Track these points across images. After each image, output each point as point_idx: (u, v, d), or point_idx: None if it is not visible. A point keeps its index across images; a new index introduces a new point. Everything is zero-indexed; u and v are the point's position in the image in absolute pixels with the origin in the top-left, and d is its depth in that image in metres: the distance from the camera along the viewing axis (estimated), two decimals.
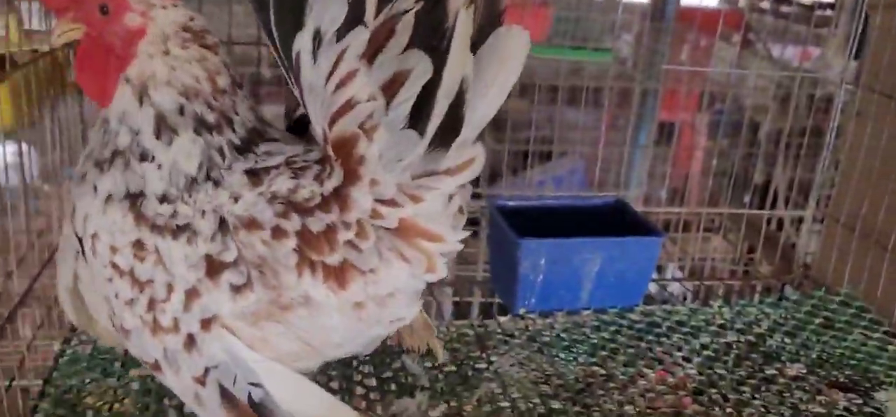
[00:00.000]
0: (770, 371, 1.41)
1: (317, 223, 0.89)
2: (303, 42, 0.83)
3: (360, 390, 1.30)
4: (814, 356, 1.47)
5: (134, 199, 0.93)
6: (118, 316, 0.96)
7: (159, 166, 0.93)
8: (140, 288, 0.93)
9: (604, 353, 1.44)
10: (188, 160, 0.93)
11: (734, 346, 1.49)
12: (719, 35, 2.02)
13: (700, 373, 1.39)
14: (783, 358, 1.46)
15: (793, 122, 2.15)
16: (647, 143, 2.49)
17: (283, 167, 0.93)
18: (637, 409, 1.27)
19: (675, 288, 1.89)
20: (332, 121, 0.85)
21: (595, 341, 1.48)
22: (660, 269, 2.41)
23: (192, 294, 0.92)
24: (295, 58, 0.85)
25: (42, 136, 1.47)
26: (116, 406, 1.23)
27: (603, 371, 1.38)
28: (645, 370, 1.40)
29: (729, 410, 1.28)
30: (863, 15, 1.75)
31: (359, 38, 0.80)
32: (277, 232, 0.90)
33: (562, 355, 1.43)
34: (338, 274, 0.89)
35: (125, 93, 0.93)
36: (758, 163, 2.47)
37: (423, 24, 0.79)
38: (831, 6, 2.55)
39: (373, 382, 1.32)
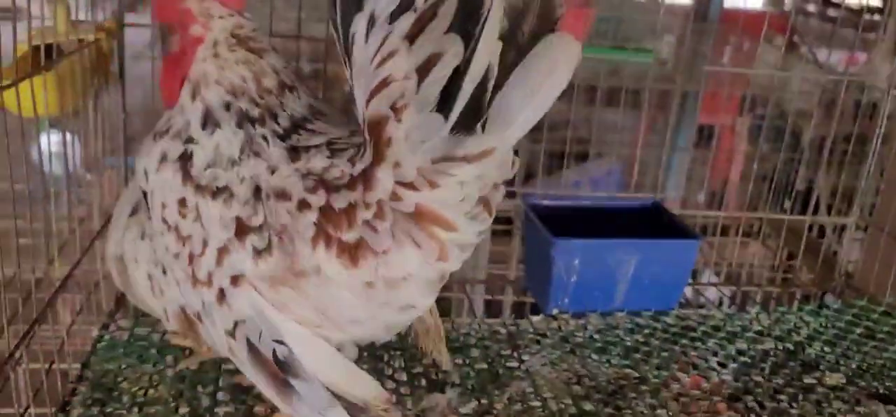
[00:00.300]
0: (808, 380, 1.38)
1: (341, 200, 0.91)
2: (358, 24, 0.85)
3: (390, 384, 1.31)
4: (854, 366, 1.44)
5: (184, 162, 1.02)
6: (169, 269, 1.06)
7: (203, 148, 1.02)
8: (183, 243, 1.01)
9: (637, 356, 1.42)
10: (229, 147, 1.01)
11: (772, 353, 1.47)
12: (763, 37, 1.98)
13: (736, 380, 1.37)
14: (822, 368, 1.43)
15: (837, 128, 2.10)
16: (686, 146, 2.46)
17: (323, 147, 0.97)
18: (670, 413, 1.26)
19: (710, 293, 1.86)
20: (369, 100, 0.86)
21: (628, 343, 1.46)
22: (695, 274, 2.38)
23: (222, 251, 0.98)
24: (350, 39, 0.87)
25: (85, 125, 1.50)
26: (151, 391, 1.25)
27: (636, 374, 1.37)
28: (679, 374, 1.38)
29: None
30: None
31: (406, 21, 0.82)
32: (302, 205, 0.94)
33: (594, 356, 1.41)
34: (351, 252, 0.91)
35: (185, 91, 1.06)
36: (800, 168, 2.42)
37: (462, 9, 0.79)
38: (880, 11, 2.49)
39: (404, 376, 1.32)
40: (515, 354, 1.40)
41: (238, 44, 1.05)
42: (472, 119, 0.81)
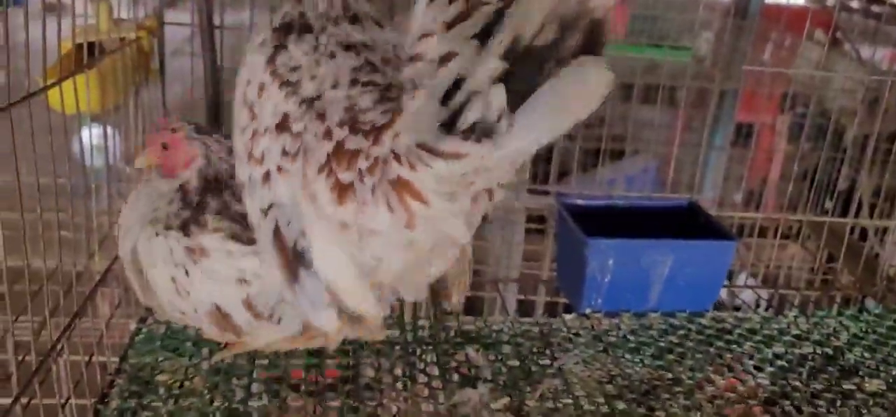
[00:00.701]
0: (847, 386, 1.35)
1: (352, 143, 0.98)
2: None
3: (422, 378, 1.32)
4: (895, 372, 1.41)
5: (275, 52, 1.10)
6: (233, 141, 1.14)
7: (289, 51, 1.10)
8: (253, 118, 1.09)
9: (671, 357, 1.41)
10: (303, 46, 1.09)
11: (810, 358, 1.44)
12: (805, 35, 1.94)
13: (772, 383, 1.35)
14: (862, 373, 1.40)
15: (881, 127, 2.05)
16: (724, 144, 2.42)
17: (374, 89, 1.04)
18: (704, 415, 1.24)
19: (747, 295, 1.83)
20: (404, 66, 0.90)
21: (662, 344, 1.44)
22: (731, 276, 2.34)
23: (274, 139, 1.06)
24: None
25: (125, 120, 1.53)
26: (187, 383, 1.27)
27: (670, 375, 1.35)
28: (713, 376, 1.36)
29: None
30: None
31: (453, 9, 0.84)
32: (327, 133, 1.00)
33: (627, 356, 1.40)
34: (341, 191, 0.98)
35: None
36: (842, 168, 2.37)
37: (493, 20, 0.81)
38: None
39: (436, 371, 1.33)
40: (548, 352, 1.40)
41: None
42: (452, 124, 0.84)
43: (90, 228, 1.33)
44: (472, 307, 1.69)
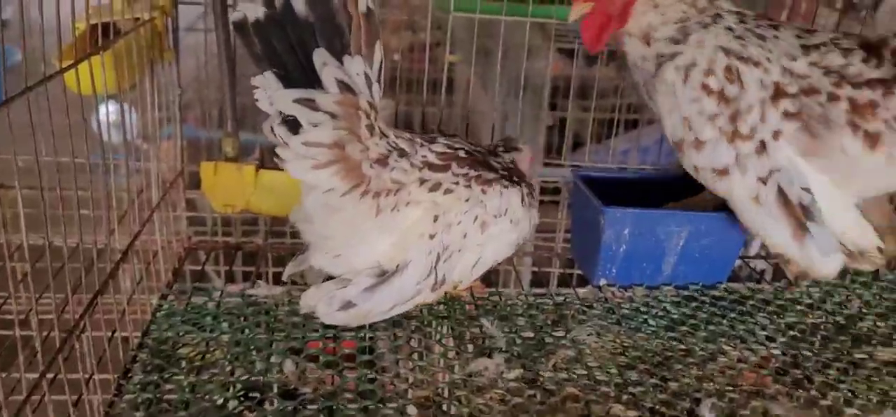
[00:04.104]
0: (859, 355, 1.36)
1: (865, 96, 1.16)
2: None
3: (438, 348, 1.34)
4: None
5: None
6: (695, 131, 1.26)
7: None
8: (726, 104, 1.23)
9: (684, 328, 1.42)
10: (720, 38, 1.26)
11: (821, 327, 1.45)
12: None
13: (784, 353, 1.36)
14: (874, 342, 1.41)
15: None
16: None
17: (831, 44, 1.22)
18: (716, 386, 1.25)
19: (760, 264, 1.83)
20: None
21: (675, 316, 1.46)
22: (744, 245, 2.34)
23: (769, 109, 1.20)
24: None
25: (141, 98, 1.55)
26: (208, 356, 1.30)
27: (682, 346, 1.37)
28: (726, 347, 1.37)
29: (813, 392, 1.25)
30: None
31: None
32: (832, 97, 1.18)
33: (641, 327, 1.42)
34: (872, 140, 1.16)
35: (634, 43, 1.32)
36: None
37: None
38: None
39: (451, 343, 1.35)
40: (561, 324, 1.41)
41: None
42: None
43: (110, 205, 1.35)
44: (487, 279, 1.70)
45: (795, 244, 1.21)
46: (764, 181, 1.21)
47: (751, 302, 1.51)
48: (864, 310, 1.51)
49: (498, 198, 1.30)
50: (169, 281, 1.56)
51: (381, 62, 1.15)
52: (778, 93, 1.19)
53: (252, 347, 1.31)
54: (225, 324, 1.38)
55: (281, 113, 1.10)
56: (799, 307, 1.51)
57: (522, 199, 1.34)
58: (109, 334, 1.34)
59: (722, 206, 1.41)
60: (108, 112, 1.43)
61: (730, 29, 1.27)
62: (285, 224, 1.92)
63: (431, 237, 1.23)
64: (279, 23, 1.06)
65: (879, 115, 1.14)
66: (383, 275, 1.24)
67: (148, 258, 1.56)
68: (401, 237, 1.23)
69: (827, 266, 1.23)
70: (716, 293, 1.53)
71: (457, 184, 1.26)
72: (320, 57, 1.08)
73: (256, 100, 1.11)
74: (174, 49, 1.62)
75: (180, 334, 1.35)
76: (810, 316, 1.48)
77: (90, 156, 1.22)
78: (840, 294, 1.56)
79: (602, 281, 1.52)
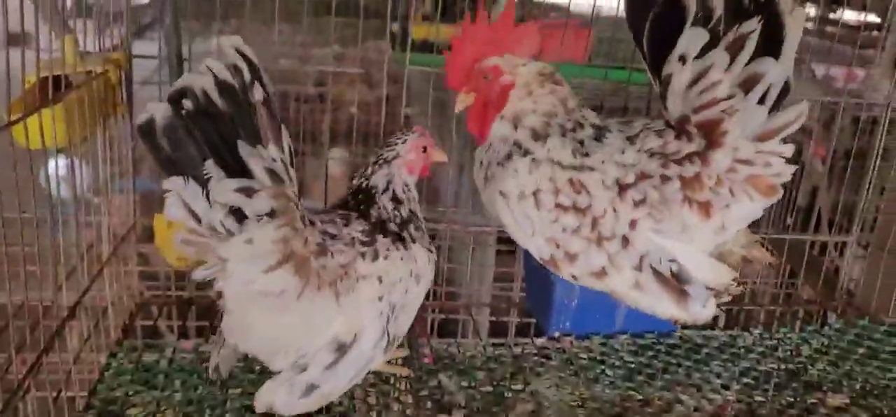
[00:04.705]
0: (811, 401, 1.39)
1: (691, 170, 1.25)
2: (673, 63, 1.22)
3: (396, 406, 1.32)
4: (857, 386, 1.45)
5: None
6: (564, 247, 1.30)
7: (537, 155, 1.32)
8: (583, 214, 1.28)
9: (641, 378, 1.43)
10: (562, 150, 1.31)
11: (775, 374, 1.47)
12: None
13: (739, 400, 1.38)
14: (825, 388, 1.44)
15: (837, 145, 2.11)
16: None
17: (650, 132, 1.30)
18: None
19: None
20: (697, 111, 1.23)
21: (632, 365, 1.47)
22: None
23: (619, 206, 1.27)
24: (665, 73, 1.23)
25: (93, 151, 1.52)
26: (159, 416, 1.26)
27: (640, 396, 1.38)
28: (682, 396, 1.38)
29: None
30: None
31: (720, 58, 1.18)
32: (663, 179, 1.26)
33: (599, 378, 1.42)
34: (703, 208, 1.26)
35: (503, 125, 1.35)
36: (801, 184, 2.43)
37: (762, 37, 1.16)
38: (878, 27, 2.50)
39: (409, 399, 1.33)
40: (520, 377, 1.41)
41: (545, 80, 1.35)
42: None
43: (58, 261, 1.31)
44: (446, 330, 1.70)
45: (680, 308, 1.28)
46: (639, 268, 1.28)
47: (705, 350, 1.53)
48: (814, 356, 1.55)
49: (421, 253, 1.31)
50: (118, 339, 1.52)
51: (291, 148, 1.11)
52: (622, 188, 1.27)
53: (205, 405, 1.28)
54: (177, 382, 1.35)
55: (225, 204, 1.03)
56: (752, 354, 1.54)
57: (427, 250, 1.34)
58: (55, 394, 1.29)
59: None
60: (57, 166, 1.40)
61: (581, 143, 1.32)
62: None
63: (380, 299, 1.22)
64: (203, 116, 1.01)
65: (705, 184, 1.24)
66: (341, 348, 1.22)
67: (97, 315, 1.52)
68: (355, 308, 1.21)
69: (706, 313, 1.30)
70: (671, 340, 1.55)
71: (389, 249, 1.26)
72: (244, 148, 1.03)
73: (167, 207, 1.04)
74: (128, 102, 1.60)
75: (129, 393, 1.31)
76: (763, 364, 1.50)
77: (38, 210, 1.19)
78: (790, 341, 1.60)
79: (556, 333, 1.53)
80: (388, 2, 1.66)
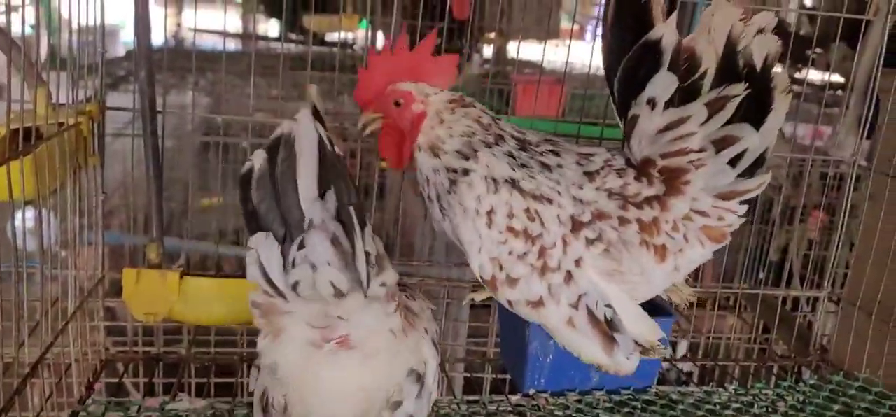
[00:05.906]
0: None
1: (646, 215, 1.29)
2: (641, 104, 1.26)
3: None
4: None
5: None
6: (506, 269, 1.29)
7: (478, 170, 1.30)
8: (532, 241, 1.28)
9: None
10: (499, 162, 1.30)
11: None
12: None
13: None
14: None
15: (805, 200, 2.14)
16: None
17: (609, 170, 1.32)
18: None
19: (686, 365, 1.86)
20: (665, 156, 1.27)
21: None
22: (674, 346, 2.38)
23: (570, 240, 1.28)
24: (632, 113, 1.27)
25: (62, 203, 1.49)
26: None
27: None
28: None
29: None
30: (874, 97, 1.77)
31: (698, 111, 1.22)
32: (622, 221, 1.29)
33: None
34: (661, 251, 1.30)
35: (423, 155, 1.34)
36: (772, 240, 2.46)
37: (746, 104, 1.20)
38: (842, 87, 2.57)
39: None
40: None
41: (455, 106, 1.35)
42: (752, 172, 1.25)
43: (20, 316, 1.27)
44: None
45: (605, 355, 1.30)
46: (575, 306, 1.29)
47: (681, 407, 1.53)
48: (790, 413, 1.54)
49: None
50: (82, 396, 1.48)
51: None
52: (576, 226, 1.28)
53: None
54: None
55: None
56: (728, 411, 1.53)
57: None
58: None
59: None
60: (24, 218, 1.37)
61: (511, 155, 1.32)
62: (209, 332, 1.85)
63: (426, 332, 1.23)
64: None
65: (663, 229, 1.27)
66: (420, 378, 1.19)
67: (60, 372, 1.48)
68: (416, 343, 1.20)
69: (629, 365, 1.33)
70: (647, 397, 1.54)
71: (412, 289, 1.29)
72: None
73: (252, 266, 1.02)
74: (100, 154, 1.58)
75: None
76: None
77: (2, 264, 1.16)
78: (766, 397, 1.60)
79: (531, 390, 1.51)
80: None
